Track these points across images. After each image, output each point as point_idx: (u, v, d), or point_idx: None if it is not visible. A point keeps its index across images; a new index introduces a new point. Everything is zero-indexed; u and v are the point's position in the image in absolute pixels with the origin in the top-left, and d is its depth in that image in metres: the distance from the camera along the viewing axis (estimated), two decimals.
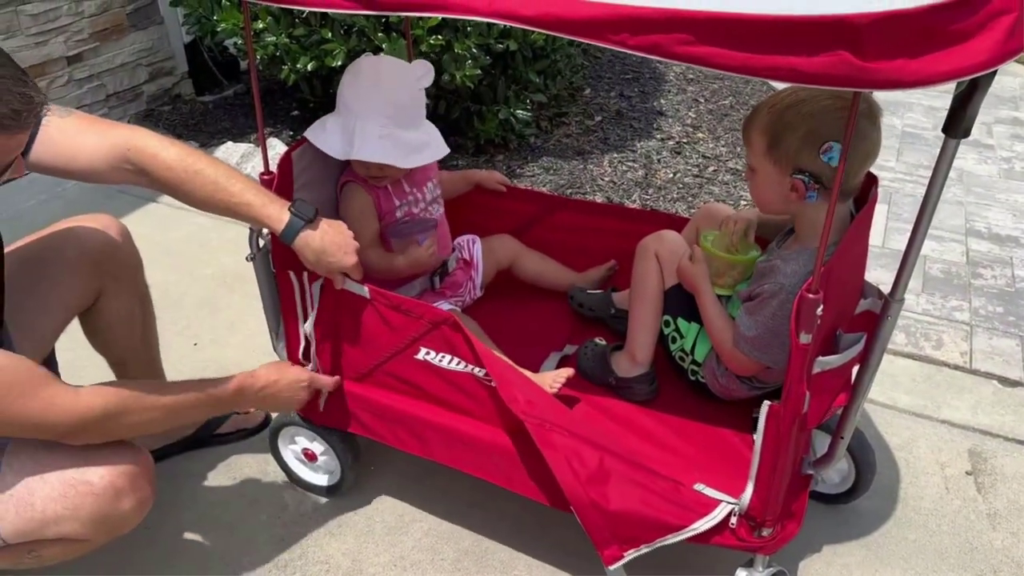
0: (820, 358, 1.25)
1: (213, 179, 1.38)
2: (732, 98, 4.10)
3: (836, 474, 1.75)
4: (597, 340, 1.81)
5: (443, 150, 1.68)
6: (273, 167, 1.53)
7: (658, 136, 3.69)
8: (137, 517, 1.39)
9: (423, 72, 1.63)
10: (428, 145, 1.67)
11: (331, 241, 1.42)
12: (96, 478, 1.31)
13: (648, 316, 1.69)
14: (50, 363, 1.62)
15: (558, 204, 2.04)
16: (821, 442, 1.56)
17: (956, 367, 2.27)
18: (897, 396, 2.15)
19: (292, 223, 1.39)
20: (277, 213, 1.39)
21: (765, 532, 1.38)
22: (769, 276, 1.44)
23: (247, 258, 1.58)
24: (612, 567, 1.43)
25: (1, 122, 1.11)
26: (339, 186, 1.76)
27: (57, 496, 1.29)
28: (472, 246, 1.96)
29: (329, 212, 1.75)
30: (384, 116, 1.59)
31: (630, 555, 1.41)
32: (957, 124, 1.08)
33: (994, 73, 0.95)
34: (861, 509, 1.79)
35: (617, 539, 1.41)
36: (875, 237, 2.88)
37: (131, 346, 1.78)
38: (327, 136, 1.61)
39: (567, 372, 1.65)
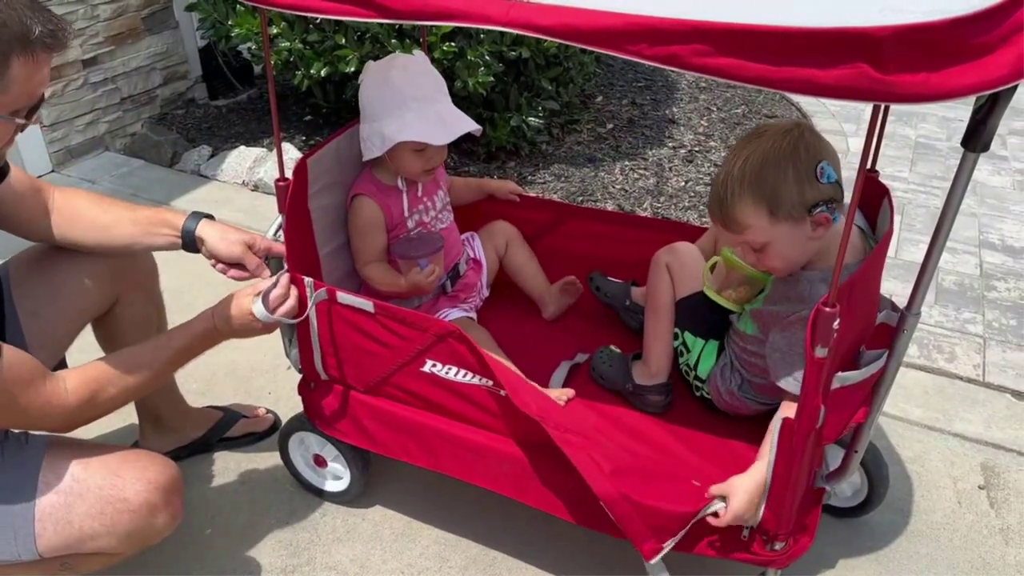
0: (840, 373, 1.24)
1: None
2: (744, 107, 4.09)
3: (849, 488, 1.74)
4: (612, 347, 1.80)
5: (473, 124, 1.67)
6: (287, 173, 1.53)
7: (670, 144, 3.69)
8: (169, 530, 1.41)
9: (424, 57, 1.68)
10: (459, 120, 1.66)
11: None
12: (132, 495, 1.33)
13: (661, 329, 1.69)
14: (61, 368, 1.63)
15: (570, 212, 2.04)
16: (834, 455, 1.55)
17: (969, 380, 2.26)
18: (909, 409, 2.13)
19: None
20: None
21: (778, 546, 1.37)
22: (802, 301, 1.41)
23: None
24: (653, 560, 1.39)
25: (43, 40, 1.14)
26: (349, 200, 1.75)
27: (95, 513, 1.31)
28: (474, 243, 1.97)
29: (343, 216, 1.75)
30: (415, 100, 1.61)
31: (668, 545, 1.38)
32: (977, 138, 1.07)
33: (1015, 87, 0.95)
34: (873, 522, 1.78)
35: (652, 531, 1.39)
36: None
37: None
38: (365, 143, 1.65)
39: (570, 392, 1.68)
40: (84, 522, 1.31)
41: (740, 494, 1.32)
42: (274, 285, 1.46)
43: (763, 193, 1.32)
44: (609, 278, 1.95)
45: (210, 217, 1.56)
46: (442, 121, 1.62)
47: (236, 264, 1.53)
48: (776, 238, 1.35)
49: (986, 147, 1.10)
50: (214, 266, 1.54)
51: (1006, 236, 3.04)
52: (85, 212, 1.56)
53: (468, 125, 1.65)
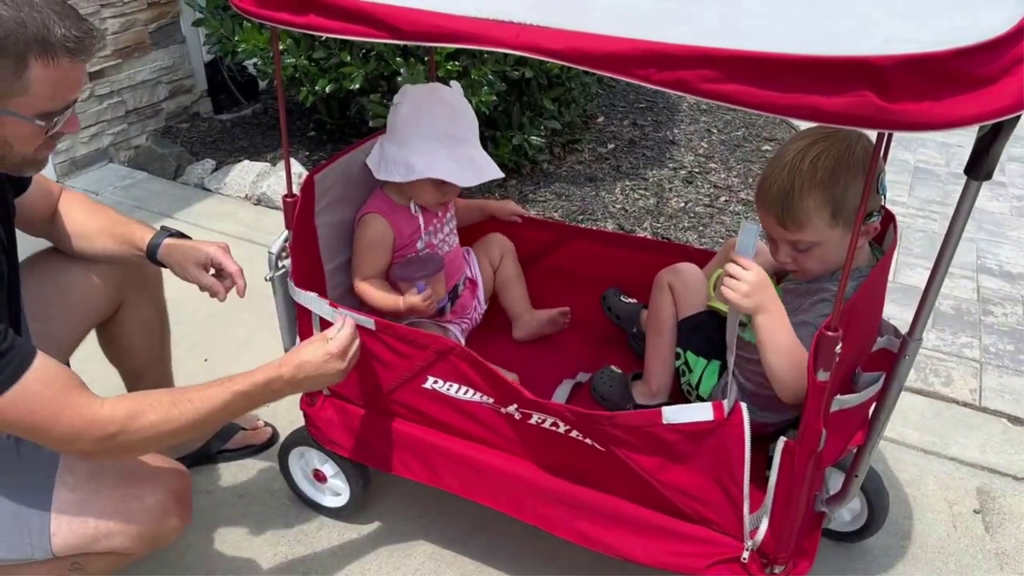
0: (839, 396, 1.25)
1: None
2: (745, 129, 4.12)
3: (848, 512, 1.74)
4: (613, 367, 1.81)
5: (498, 172, 1.68)
6: (295, 189, 1.54)
7: (670, 165, 3.71)
8: (178, 534, 1.42)
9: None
10: (488, 165, 1.68)
11: None
12: (148, 495, 1.35)
13: (663, 347, 1.70)
14: None
15: (571, 233, 2.05)
16: (835, 480, 1.55)
17: (965, 404, 2.27)
18: (906, 432, 2.14)
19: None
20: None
21: (777, 570, 1.37)
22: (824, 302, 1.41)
23: (265, 278, 1.59)
24: None
25: (64, 44, 1.14)
26: (358, 216, 1.76)
27: (111, 512, 1.32)
28: (469, 258, 1.98)
29: (348, 233, 1.76)
30: (450, 138, 1.62)
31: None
32: (980, 166, 1.09)
33: (1018, 117, 0.96)
34: (869, 546, 1.78)
35: None
36: None
37: (149, 358, 1.80)
38: (387, 164, 1.65)
39: None
40: (100, 521, 1.31)
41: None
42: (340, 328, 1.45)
43: (833, 195, 1.33)
44: (622, 298, 1.95)
45: (179, 235, 1.59)
46: (472, 164, 1.64)
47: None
48: (828, 240, 1.37)
49: (989, 175, 1.11)
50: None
51: (1004, 262, 3.06)
52: (75, 218, 1.59)
53: (495, 173, 1.66)
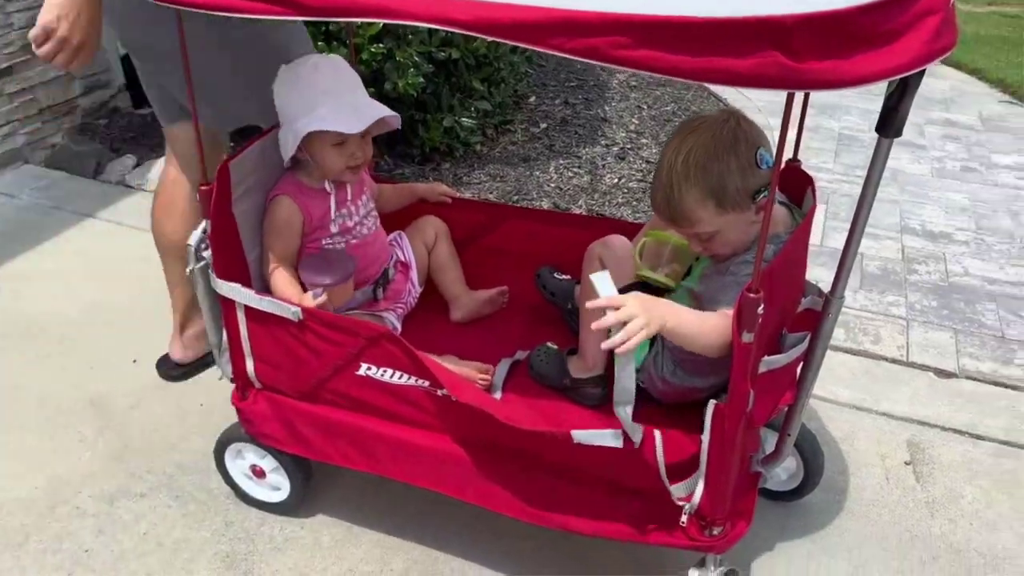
0: (766, 358, 1.27)
1: None
2: (674, 104, 4.16)
3: (784, 472, 1.78)
4: (549, 344, 1.81)
5: (387, 110, 1.65)
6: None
7: (603, 142, 3.73)
8: None
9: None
10: (373, 107, 1.64)
11: None
12: None
13: (596, 320, 1.69)
14: None
15: (504, 212, 2.04)
16: (772, 441, 1.58)
17: (894, 360, 2.34)
18: (838, 391, 2.20)
19: None
20: None
21: (716, 531, 1.39)
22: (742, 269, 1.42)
23: (186, 271, 1.54)
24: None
25: None
26: (268, 200, 1.70)
27: None
28: (402, 242, 1.95)
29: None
30: (326, 94, 1.58)
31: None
32: (890, 124, 1.11)
33: (923, 72, 0.98)
34: (806, 503, 1.82)
35: None
36: (814, 236, 2.94)
37: None
38: (283, 144, 1.62)
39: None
40: None
41: (635, 299, 1.28)
42: None
43: (709, 186, 1.34)
44: (556, 275, 1.95)
45: None
46: (355, 110, 1.60)
47: None
48: (724, 227, 1.38)
49: (899, 132, 1.14)
50: None
51: (926, 221, 3.16)
52: None
53: (381, 111, 1.63)
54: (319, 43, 2.90)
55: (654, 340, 1.65)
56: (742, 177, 1.33)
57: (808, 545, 1.75)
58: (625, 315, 1.26)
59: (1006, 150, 3.93)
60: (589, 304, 1.29)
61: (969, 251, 2.96)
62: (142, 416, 2.08)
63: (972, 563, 1.72)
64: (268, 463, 1.75)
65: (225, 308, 1.56)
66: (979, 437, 2.06)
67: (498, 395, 1.70)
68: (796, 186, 1.52)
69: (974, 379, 2.27)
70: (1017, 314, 2.57)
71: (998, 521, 1.82)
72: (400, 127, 1.73)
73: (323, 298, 1.58)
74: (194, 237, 1.53)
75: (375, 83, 2.85)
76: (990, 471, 1.95)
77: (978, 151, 3.89)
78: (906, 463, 1.97)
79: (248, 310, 1.52)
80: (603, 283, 1.28)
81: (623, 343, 1.25)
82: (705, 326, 1.33)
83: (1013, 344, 2.42)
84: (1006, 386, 2.24)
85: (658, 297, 1.40)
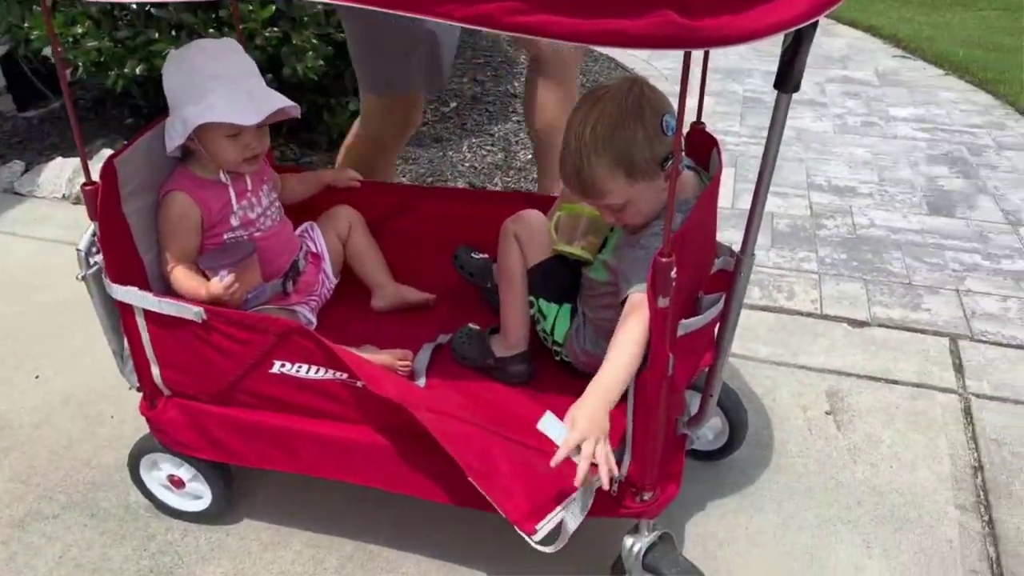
0: (683, 321, 1.27)
1: None
2: (581, 76, 4.15)
3: (710, 431, 1.80)
4: (471, 325, 1.78)
5: (286, 100, 1.57)
6: (95, 176, 1.41)
7: (514, 119, 3.70)
8: None
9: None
10: (270, 97, 1.57)
11: None
12: None
13: (515, 298, 1.68)
14: None
15: (417, 194, 2.00)
16: (695, 403, 1.59)
17: (808, 314, 2.40)
18: (757, 348, 2.24)
19: None
20: None
21: (646, 496, 1.39)
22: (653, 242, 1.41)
23: (77, 277, 1.45)
24: (537, 537, 1.34)
25: None
26: (160, 196, 1.61)
27: None
28: (313, 233, 1.89)
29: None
30: (216, 79, 1.50)
31: (544, 524, 1.34)
32: (787, 79, 1.12)
33: (815, 25, 0.98)
34: (734, 460, 1.85)
35: (530, 507, 1.35)
36: (724, 199, 2.99)
37: None
38: (169, 133, 1.53)
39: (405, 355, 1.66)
40: None
41: (578, 421, 1.25)
42: None
43: (618, 157, 1.33)
44: (474, 255, 1.91)
45: None
46: (251, 99, 1.53)
47: None
48: (635, 197, 1.37)
49: (797, 87, 1.14)
50: None
51: (832, 177, 3.25)
52: None
53: (280, 102, 1.56)
54: (210, 30, 2.78)
55: (575, 313, 1.65)
56: (649, 145, 1.32)
57: (738, 500, 1.78)
58: (574, 441, 1.23)
59: (903, 103, 4.07)
60: (554, 462, 1.23)
61: (874, 203, 3.06)
62: (49, 434, 1.97)
63: (894, 503, 1.77)
64: (186, 472, 1.68)
65: (124, 314, 1.48)
66: (894, 382, 2.13)
67: (422, 381, 1.67)
68: (702, 149, 1.52)
69: (885, 326, 2.35)
70: (922, 260, 2.67)
71: (916, 461, 1.88)
72: (300, 116, 1.66)
73: (230, 278, 1.51)
74: (83, 241, 1.44)
75: (273, 69, 2.75)
76: (906, 414, 2.02)
77: (876, 106, 4.02)
78: (827, 413, 2.03)
79: (148, 314, 1.44)
80: (552, 427, 1.26)
81: (586, 469, 1.22)
82: (626, 354, 1.27)
83: (920, 290, 2.51)
84: (916, 331, 2.33)
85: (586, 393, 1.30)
